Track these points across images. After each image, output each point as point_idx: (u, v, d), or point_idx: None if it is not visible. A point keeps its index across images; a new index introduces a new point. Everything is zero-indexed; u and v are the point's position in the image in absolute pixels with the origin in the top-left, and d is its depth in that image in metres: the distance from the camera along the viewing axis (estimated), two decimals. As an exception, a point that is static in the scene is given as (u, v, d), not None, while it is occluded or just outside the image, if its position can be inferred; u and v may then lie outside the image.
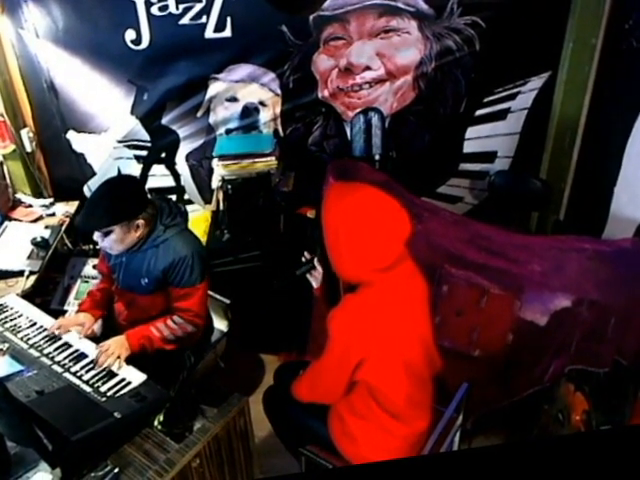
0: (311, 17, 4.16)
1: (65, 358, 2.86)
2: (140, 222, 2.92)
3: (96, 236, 2.93)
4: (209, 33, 4.19)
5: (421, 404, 2.67)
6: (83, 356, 2.89)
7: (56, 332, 3.04)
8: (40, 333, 3.05)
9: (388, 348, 2.42)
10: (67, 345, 2.96)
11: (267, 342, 4.23)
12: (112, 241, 2.91)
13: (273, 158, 4.21)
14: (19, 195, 4.51)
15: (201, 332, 3.25)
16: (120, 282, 3.20)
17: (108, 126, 4.60)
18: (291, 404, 2.72)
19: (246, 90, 4.46)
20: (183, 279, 3.02)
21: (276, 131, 4.56)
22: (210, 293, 3.54)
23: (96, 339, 3.08)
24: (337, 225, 2.35)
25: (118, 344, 2.91)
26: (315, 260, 2.74)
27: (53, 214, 4.34)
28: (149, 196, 3.10)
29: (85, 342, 3.01)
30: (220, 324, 3.62)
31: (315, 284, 2.81)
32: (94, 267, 3.93)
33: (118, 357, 2.85)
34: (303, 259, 2.83)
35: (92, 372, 2.76)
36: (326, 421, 2.72)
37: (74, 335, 3.05)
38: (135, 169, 4.71)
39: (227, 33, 4.18)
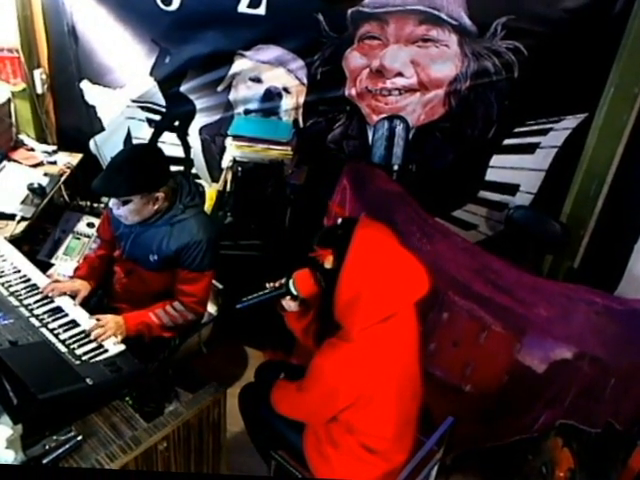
0: (349, 11, 4.04)
1: (45, 313, 2.81)
2: (160, 195, 2.85)
3: (112, 203, 2.87)
4: (242, 7, 4.06)
5: (403, 439, 2.65)
6: (65, 316, 2.83)
7: (49, 293, 2.95)
8: (23, 282, 2.99)
9: (377, 393, 2.42)
10: (49, 300, 2.90)
11: (254, 335, 4.15)
12: (129, 210, 2.85)
13: (289, 148, 4.10)
14: (22, 136, 4.39)
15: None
16: (125, 252, 3.11)
17: (124, 83, 4.49)
18: (267, 406, 2.71)
19: (272, 73, 4.35)
20: (194, 263, 2.96)
21: (296, 121, 4.45)
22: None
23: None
24: (360, 283, 2.31)
25: (117, 325, 2.83)
26: (290, 284, 2.67)
27: (54, 162, 4.22)
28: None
29: (78, 309, 2.94)
30: (209, 308, 3.54)
31: (288, 309, 2.78)
32: (88, 225, 3.87)
33: (112, 336, 2.78)
34: (268, 286, 2.77)
35: (70, 332, 2.71)
36: (301, 433, 2.70)
37: (66, 299, 2.97)
38: (146, 132, 4.61)
39: (261, 11, 4.06)
